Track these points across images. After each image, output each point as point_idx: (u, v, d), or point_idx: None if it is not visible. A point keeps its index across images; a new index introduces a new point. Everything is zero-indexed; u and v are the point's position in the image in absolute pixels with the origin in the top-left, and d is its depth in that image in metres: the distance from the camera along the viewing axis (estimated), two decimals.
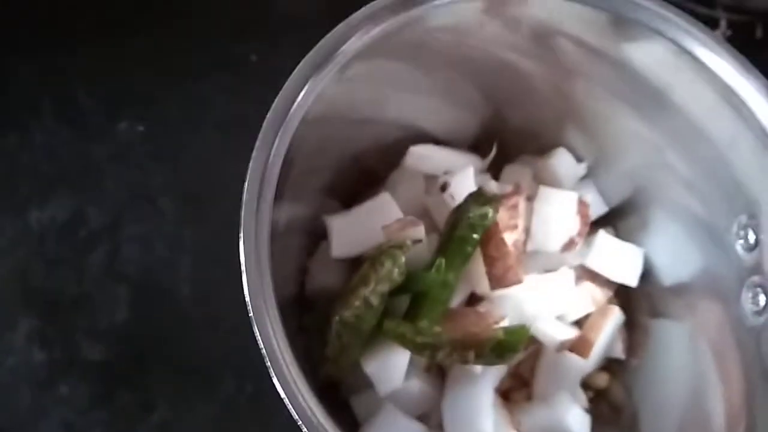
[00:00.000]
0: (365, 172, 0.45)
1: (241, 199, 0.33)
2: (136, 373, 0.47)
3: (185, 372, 0.47)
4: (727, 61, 0.35)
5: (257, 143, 0.34)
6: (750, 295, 0.36)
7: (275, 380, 0.30)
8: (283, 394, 0.30)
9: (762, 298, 0.35)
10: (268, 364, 0.30)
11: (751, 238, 0.36)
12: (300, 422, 0.30)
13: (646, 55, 0.37)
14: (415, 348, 0.37)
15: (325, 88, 0.35)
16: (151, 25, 0.54)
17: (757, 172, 0.35)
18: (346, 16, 0.35)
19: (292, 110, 0.34)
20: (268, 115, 0.34)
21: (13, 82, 0.53)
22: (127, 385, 0.46)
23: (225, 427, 0.46)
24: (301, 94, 0.35)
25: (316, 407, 0.30)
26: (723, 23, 0.54)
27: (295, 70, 0.35)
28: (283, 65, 0.35)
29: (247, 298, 0.31)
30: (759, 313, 0.35)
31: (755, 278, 0.36)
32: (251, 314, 0.31)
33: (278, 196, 0.34)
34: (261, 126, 0.34)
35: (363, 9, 0.35)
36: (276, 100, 0.35)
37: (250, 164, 0.33)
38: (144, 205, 0.50)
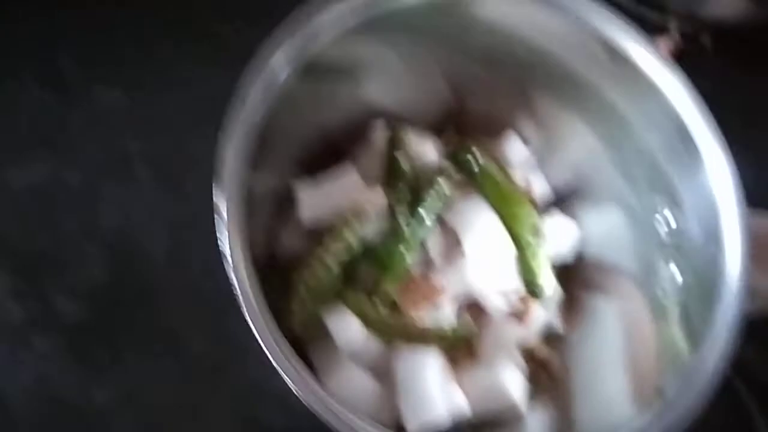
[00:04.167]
0: (331, 145, 0.47)
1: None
2: (109, 330, 0.48)
3: (157, 331, 0.48)
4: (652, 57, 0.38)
5: (230, 112, 0.36)
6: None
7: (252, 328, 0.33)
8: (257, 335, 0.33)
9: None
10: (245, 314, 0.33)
11: (672, 223, 0.40)
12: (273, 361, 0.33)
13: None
14: (373, 329, 0.41)
15: (296, 61, 0.38)
16: None
17: (675, 161, 0.39)
18: None
19: (261, 81, 0.37)
20: (238, 86, 0.37)
21: None
22: (100, 341, 0.48)
23: (190, 380, 0.48)
24: (272, 65, 0.37)
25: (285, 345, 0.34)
26: (673, 30, 0.56)
27: (266, 42, 0.37)
28: (262, 40, 0.37)
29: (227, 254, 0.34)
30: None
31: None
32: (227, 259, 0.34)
33: (250, 165, 0.36)
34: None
35: None
36: (247, 71, 0.37)
37: (223, 131, 0.36)
38: (121, 169, 0.51)
